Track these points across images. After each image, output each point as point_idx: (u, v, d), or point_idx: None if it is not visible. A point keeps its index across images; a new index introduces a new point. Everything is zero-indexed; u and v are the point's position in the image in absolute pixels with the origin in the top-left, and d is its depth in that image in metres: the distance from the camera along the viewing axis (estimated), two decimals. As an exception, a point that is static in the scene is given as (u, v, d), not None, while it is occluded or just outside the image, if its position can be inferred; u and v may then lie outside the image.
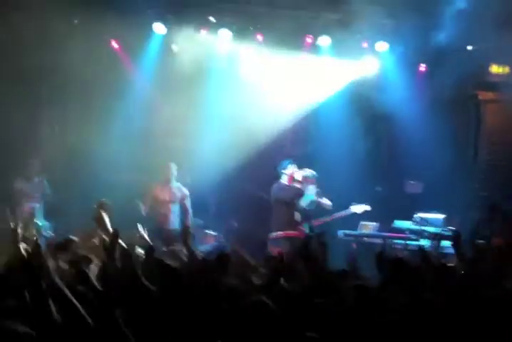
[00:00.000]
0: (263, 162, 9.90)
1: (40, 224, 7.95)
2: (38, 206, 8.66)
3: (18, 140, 9.27)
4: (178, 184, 9.03)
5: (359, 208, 9.06)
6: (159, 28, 9.90)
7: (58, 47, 8.98)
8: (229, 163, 9.79)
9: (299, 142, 10.90)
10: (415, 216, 9.29)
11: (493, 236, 7.82)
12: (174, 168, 8.98)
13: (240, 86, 10.04)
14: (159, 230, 8.29)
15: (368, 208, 9.08)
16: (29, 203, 8.54)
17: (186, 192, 9.01)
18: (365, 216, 9.43)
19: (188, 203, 8.97)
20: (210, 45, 10.10)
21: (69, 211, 8.88)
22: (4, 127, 8.72)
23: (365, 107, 10.47)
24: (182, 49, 10.05)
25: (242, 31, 10.01)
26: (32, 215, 7.88)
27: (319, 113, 10.51)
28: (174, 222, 8.77)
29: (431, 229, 9.04)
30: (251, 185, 10.19)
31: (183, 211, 8.96)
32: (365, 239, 9.37)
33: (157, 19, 9.86)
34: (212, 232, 9.79)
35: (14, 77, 8.73)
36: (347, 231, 9.40)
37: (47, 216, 8.73)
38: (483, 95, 10.71)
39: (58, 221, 8.57)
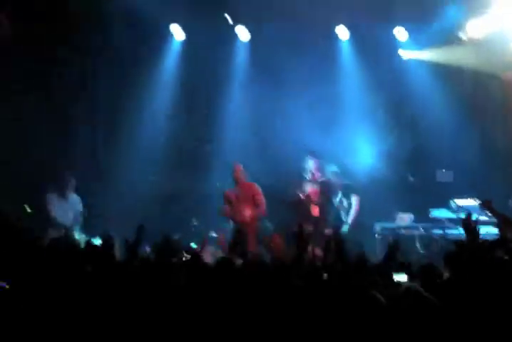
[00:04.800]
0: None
1: (77, 237, 7.86)
2: (72, 221, 8.55)
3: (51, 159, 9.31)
4: None
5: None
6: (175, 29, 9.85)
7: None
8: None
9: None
10: (451, 203, 9.15)
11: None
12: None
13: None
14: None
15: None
16: (64, 219, 8.43)
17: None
18: (400, 207, 9.33)
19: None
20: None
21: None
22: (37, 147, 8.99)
23: (390, 97, 10.35)
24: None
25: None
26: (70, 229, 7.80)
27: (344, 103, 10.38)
28: None
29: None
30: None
31: None
32: (402, 231, 9.23)
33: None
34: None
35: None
36: (384, 224, 9.25)
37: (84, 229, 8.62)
38: (507, 76, 10.53)
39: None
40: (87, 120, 10.13)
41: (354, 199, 8.89)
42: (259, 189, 8.42)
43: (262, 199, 8.35)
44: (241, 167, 8.44)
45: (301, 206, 8.49)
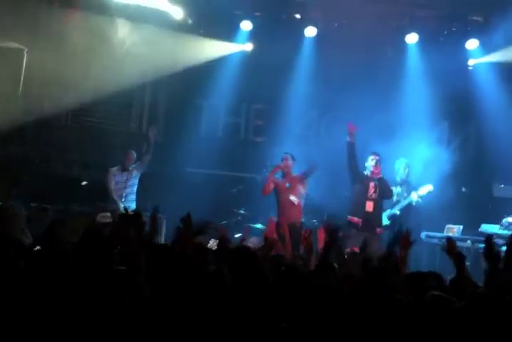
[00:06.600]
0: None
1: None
2: (129, 193, 8.89)
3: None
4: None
5: (423, 190, 8.92)
6: (246, 25, 10.03)
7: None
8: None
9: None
10: (503, 220, 8.93)
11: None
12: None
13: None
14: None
15: (431, 188, 8.89)
16: (122, 192, 8.80)
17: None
18: (450, 219, 9.18)
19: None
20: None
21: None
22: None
23: (453, 106, 10.19)
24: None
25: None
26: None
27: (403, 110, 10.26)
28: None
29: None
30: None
31: None
32: (449, 241, 9.05)
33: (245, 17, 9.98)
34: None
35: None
36: (431, 233, 9.13)
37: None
38: None
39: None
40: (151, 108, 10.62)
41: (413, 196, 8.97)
42: (305, 182, 8.47)
43: (303, 190, 8.43)
44: (289, 157, 8.46)
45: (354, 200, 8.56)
